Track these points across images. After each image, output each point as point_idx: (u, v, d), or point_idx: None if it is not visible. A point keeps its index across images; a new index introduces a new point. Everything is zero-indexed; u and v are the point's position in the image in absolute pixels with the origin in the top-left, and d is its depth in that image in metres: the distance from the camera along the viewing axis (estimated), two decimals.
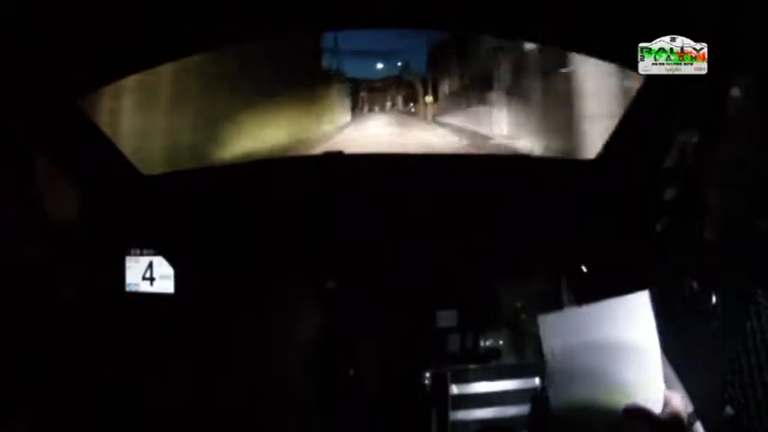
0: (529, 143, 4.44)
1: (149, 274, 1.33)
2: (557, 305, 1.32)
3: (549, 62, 4.12)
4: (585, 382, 0.72)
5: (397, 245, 1.32)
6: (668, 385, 0.74)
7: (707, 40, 0.96)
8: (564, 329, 0.74)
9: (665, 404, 0.71)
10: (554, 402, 0.72)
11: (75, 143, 1.25)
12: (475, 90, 5.83)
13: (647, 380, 0.72)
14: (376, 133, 6.57)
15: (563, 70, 3.79)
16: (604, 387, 0.71)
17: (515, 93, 4.90)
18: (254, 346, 1.33)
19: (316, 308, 1.31)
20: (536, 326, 1.29)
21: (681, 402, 0.72)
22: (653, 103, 1.23)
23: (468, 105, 5.94)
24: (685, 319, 0.80)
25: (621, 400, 0.71)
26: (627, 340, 0.72)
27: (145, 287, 1.33)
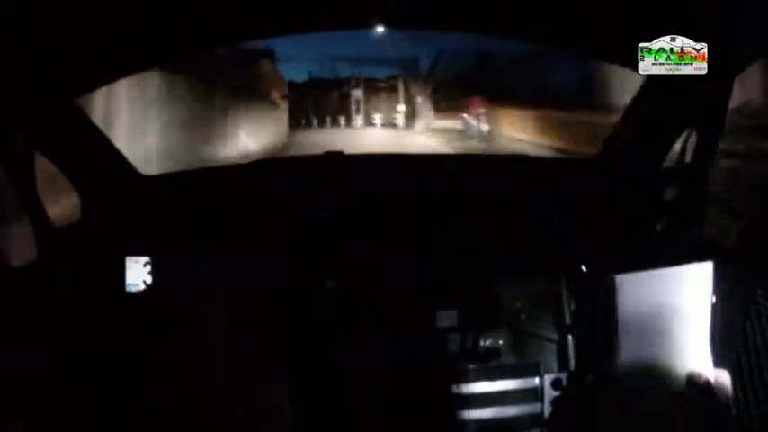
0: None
1: (149, 275, 1.33)
2: (557, 305, 1.32)
3: None
4: (652, 342, 0.73)
5: (398, 245, 1.32)
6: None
7: (707, 40, 0.96)
8: (636, 290, 0.76)
9: (716, 379, 0.71)
10: (623, 361, 0.73)
11: (75, 143, 1.25)
12: None
13: (698, 350, 0.73)
14: None
15: None
16: (667, 351, 0.73)
17: None
18: (254, 346, 1.33)
19: (316, 307, 1.31)
20: (536, 326, 1.32)
21: (728, 380, 0.72)
22: (653, 103, 1.23)
23: None
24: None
25: (681, 367, 0.72)
26: (685, 308, 0.75)
27: (145, 288, 1.33)
